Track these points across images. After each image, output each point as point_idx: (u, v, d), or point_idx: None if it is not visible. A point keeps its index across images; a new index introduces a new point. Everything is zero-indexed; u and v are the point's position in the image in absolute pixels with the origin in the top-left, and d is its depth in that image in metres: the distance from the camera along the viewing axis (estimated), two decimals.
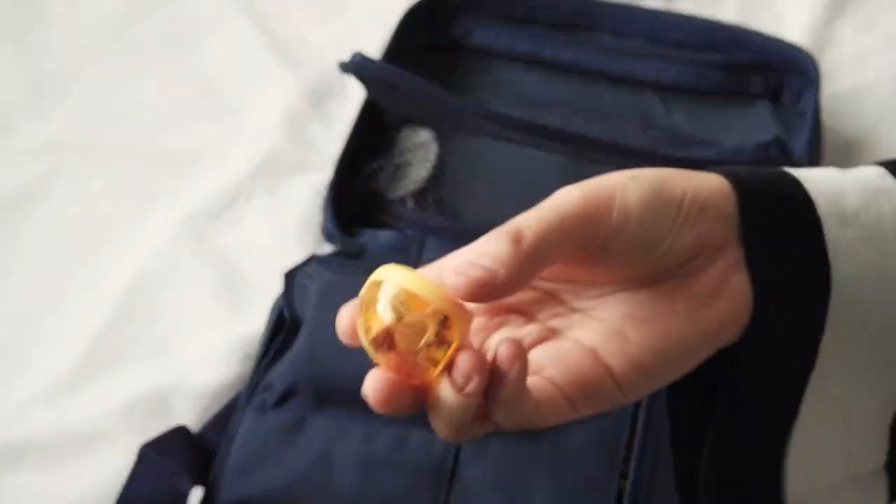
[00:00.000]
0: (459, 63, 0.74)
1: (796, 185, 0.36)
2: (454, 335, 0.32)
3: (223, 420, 0.60)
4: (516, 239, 0.33)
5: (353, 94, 0.76)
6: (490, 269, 0.32)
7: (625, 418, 0.55)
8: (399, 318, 0.32)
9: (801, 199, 0.36)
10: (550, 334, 0.36)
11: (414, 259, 0.65)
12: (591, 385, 0.34)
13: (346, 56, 0.65)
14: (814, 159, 0.66)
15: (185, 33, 0.83)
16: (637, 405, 0.56)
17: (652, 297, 0.35)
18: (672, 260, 0.35)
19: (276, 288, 0.64)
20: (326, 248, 0.68)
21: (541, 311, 0.37)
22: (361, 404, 0.55)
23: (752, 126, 0.69)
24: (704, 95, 0.71)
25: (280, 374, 0.58)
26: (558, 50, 0.73)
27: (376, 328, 0.32)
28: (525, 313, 0.37)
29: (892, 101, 0.73)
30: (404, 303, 0.32)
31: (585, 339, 0.35)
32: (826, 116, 0.70)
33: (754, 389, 0.37)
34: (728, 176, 0.36)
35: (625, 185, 0.34)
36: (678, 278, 0.35)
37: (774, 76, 0.70)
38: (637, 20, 0.74)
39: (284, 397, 0.57)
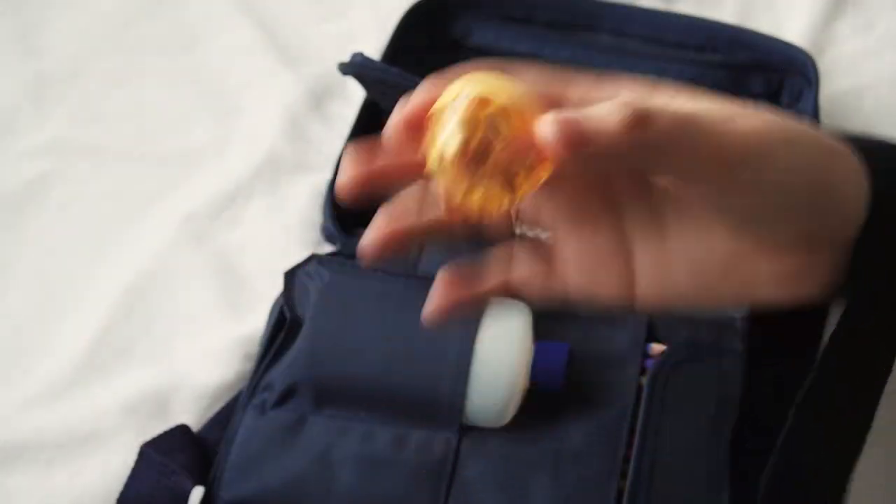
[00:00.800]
0: (459, 63, 0.74)
1: None
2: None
3: (223, 420, 0.60)
4: (640, 121, 0.29)
5: (354, 95, 0.76)
6: (587, 133, 0.29)
7: (625, 418, 0.55)
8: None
9: None
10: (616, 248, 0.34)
11: (414, 259, 0.65)
12: (600, 293, 0.34)
13: (346, 56, 0.65)
14: None
15: (185, 34, 0.83)
16: (637, 404, 0.56)
17: (734, 243, 0.33)
18: (786, 228, 0.32)
19: (276, 288, 0.64)
20: (326, 248, 0.68)
21: (631, 207, 0.34)
22: (361, 403, 0.56)
23: None
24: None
25: (280, 373, 0.58)
26: (558, 50, 0.73)
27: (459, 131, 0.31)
28: (614, 202, 0.34)
29: (892, 101, 0.73)
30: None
31: (638, 257, 0.34)
32: (824, 117, 0.70)
33: (833, 388, 0.35)
34: (862, 158, 0.34)
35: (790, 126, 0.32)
36: (771, 240, 0.33)
37: (774, 76, 0.70)
38: (637, 20, 0.74)
39: (284, 397, 0.57)
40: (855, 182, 0.33)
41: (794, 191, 0.32)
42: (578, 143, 0.29)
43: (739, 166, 0.30)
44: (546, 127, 0.30)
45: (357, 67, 0.62)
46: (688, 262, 0.33)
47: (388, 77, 0.61)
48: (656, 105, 0.30)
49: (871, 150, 0.34)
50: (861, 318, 0.34)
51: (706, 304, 0.34)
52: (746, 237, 0.33)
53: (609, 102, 0.30)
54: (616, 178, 0.35)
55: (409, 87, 0.62)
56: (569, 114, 0.30)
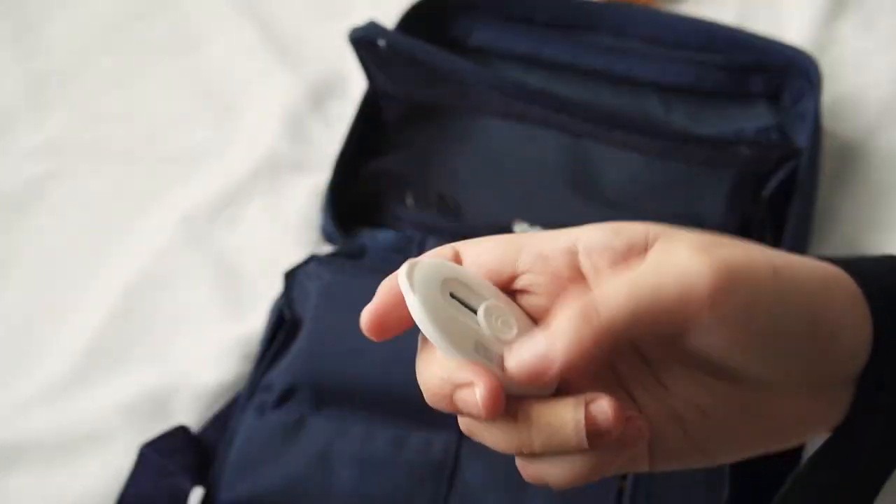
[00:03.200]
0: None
1: None
2: None
3: (223, 420, 0.60)
4: (586, 318, 0.29)
5: (354, 95, 0.76)
6: (544, 360, 0.29)
7: None
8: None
9: None
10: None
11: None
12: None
13: (346, 57, 0.65)
14: (814, 160, 0.66)
15: (185, 34, 0.83)
16: None
17: (728, 392, 0.31)
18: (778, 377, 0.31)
19: (275, 288, 0.64)
20: (327, 248, 0.68)
21: (633, 374, 0.33)
22: (361, 404, 0.56)
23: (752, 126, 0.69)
24: (704, 96, 0.71)
25: (280, 374, 0.58)
26: (558, 50, 0.73)
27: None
28: (619, 372, 0.33)
29: (892, 101, 0.73)
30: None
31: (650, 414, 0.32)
32: (827, 117, 0.70)
33: (827, 486, 0.34)
34: (862, 286, 0.32)
35: (763, 275, 0.29)
36: (767, 390, 0.32)
37: (775, 77, 0.70)
38: (637, 20, 0.73)
39: (284, 397, 0.57)
40: (856, 312, 0.32)
41: (788, 321, 0.30)
42: (542, 372, 0.29)
43: (720, 298, 0.29)
44: (513, 367, 0.30)
45: (370, 32, 0.61)
46: (699, 414, 0.32)
47: (400, 43, 0.60)
48: (603, 299, 0.29)
49: (869, 272, 0.33)
50: (852, 446, 0.33)
51: (732, 455, 0.33)
52: (751, 381, 0.31)
53: (562, 317, 0.29)
54: (625, 367, 0.33)
55: (420, 56, 0.61)
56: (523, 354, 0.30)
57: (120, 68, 0.81)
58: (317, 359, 0.57)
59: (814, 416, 0.32)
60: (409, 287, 0.31)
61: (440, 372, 0.30)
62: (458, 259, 0.34)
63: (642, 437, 0.30)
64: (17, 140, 0.77)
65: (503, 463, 0.55)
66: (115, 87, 0.80)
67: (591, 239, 0.31)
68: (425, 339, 0.32)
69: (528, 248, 0.32)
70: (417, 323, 0.31)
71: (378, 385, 0.55)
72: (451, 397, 0.30)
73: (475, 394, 0.29)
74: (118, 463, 0.60)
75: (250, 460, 0.56)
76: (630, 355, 0.33)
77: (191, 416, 0.62)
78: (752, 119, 0.69)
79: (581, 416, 0.29)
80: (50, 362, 0.65)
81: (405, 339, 0.56)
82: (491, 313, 0.32)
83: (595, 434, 0.29)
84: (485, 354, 0.31)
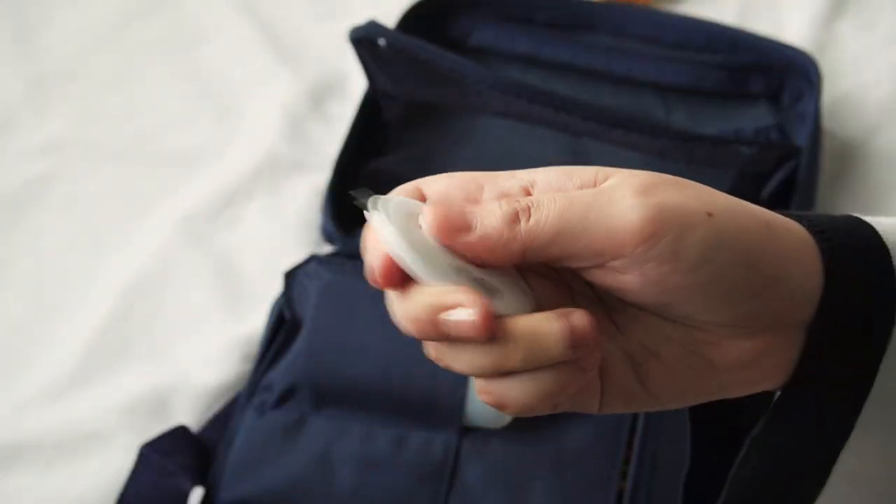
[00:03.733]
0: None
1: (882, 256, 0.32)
2: None
3: (223, 420, 0.60)
4: (513, 220, 0.30)
5: (353, 94, 0.76)
6: (458, 228, 0.30)
7: (625, 418, 0.55)
8: None
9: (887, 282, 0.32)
10: None
11: None
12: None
13: (345, 56, 0.65)
14: (814, 160, 0.66)
15: (185, 33, 0.83)
16: None
17: (675, 334, 0.32)
18: (718, 320, 0.32)
19: (275, 288, 0.64)
20: (326, 248, 0.68)
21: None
22: (361, 404, 0.56)
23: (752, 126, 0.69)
24: (704, 96, 0.71)
25: (280, 374, 0.58)
26: (557, 50, 0.73)
27: None
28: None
29: (892, 101, 0.73)
30: None
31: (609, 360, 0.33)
32: (827, 117, 0.70)
33: (783, 447, 0.34)
34: (815, 235, 0.32)
35: (695, 219, 0.30)
36: (709, 332, 0.32)
37: (774, 77, 0.70)
38: (637, 20, 0.73)
39: (284, 397, 0.57)
40: (803, 259, 0.32)
41: (721, 265, 0.30)
42: (453, 230, 0.30)
43: (644, 243, 0.30)
44: (424, 217, 0.31)
45: (371, 31, 0.61)
46: (651, 357, 0.33)
47: (400, 41, 0.60)
48: (536, 200, 0.31)
49: (828, 228, 0.33)
50: (802, 404, 0.33)
51: (680, 400, 0.33)
52: (698, 323, 0.32)
53: (497, 208, 0.31)
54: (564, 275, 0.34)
55: (421, 55, 0.61)
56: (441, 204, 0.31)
57: (120, 68, 0.81)
58: (317, 359, 0.57)
59: (763, 364, 0.33)
60: (380, 217, 0.31)
61: (426, 299, 0.31)
62: (420, 195, 0.34)
63: (597, 361, 0.31)
64: (17, 140, 0.77)
65: (503, 462, 0.55)
66: (115, 87, 0.80)
67: (546, 179, 0.33)
68: (399, 281, 0.32)
69: (490, 185, 0.33)
70: (394, 251, 0.31)
71: (378, 385, 0.55)
72: (438, 323, 0.30)
73: (469, 314, 0.30)
74: (118, 463, 0.60)
75: (250, 460, 0.56)
76: (587, 299, 0.34)
77: (191, 416, 0.62)
78: (752, 119, 0.69)
79: (564, 324, 0.30)
80: (50, 362, 0.65)
81: (405, 340, 0.56)
82: None
83: (578, 343, 0.30)
84: (466, 277, 0.31)
